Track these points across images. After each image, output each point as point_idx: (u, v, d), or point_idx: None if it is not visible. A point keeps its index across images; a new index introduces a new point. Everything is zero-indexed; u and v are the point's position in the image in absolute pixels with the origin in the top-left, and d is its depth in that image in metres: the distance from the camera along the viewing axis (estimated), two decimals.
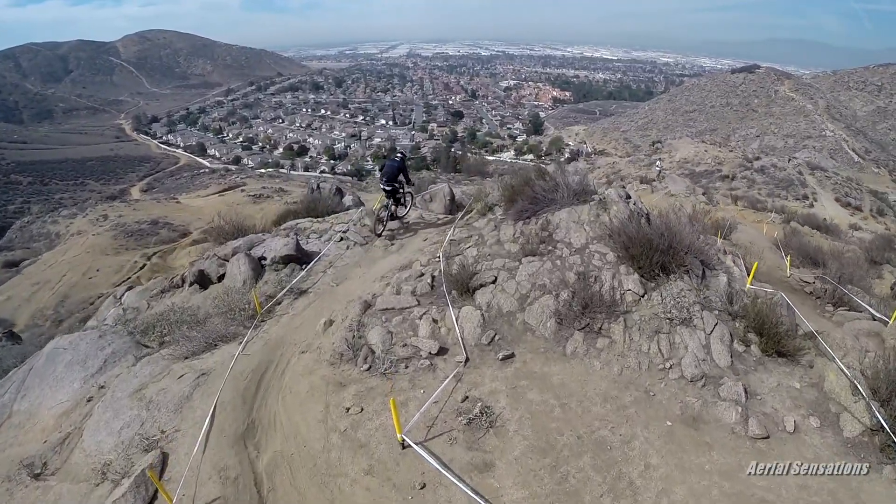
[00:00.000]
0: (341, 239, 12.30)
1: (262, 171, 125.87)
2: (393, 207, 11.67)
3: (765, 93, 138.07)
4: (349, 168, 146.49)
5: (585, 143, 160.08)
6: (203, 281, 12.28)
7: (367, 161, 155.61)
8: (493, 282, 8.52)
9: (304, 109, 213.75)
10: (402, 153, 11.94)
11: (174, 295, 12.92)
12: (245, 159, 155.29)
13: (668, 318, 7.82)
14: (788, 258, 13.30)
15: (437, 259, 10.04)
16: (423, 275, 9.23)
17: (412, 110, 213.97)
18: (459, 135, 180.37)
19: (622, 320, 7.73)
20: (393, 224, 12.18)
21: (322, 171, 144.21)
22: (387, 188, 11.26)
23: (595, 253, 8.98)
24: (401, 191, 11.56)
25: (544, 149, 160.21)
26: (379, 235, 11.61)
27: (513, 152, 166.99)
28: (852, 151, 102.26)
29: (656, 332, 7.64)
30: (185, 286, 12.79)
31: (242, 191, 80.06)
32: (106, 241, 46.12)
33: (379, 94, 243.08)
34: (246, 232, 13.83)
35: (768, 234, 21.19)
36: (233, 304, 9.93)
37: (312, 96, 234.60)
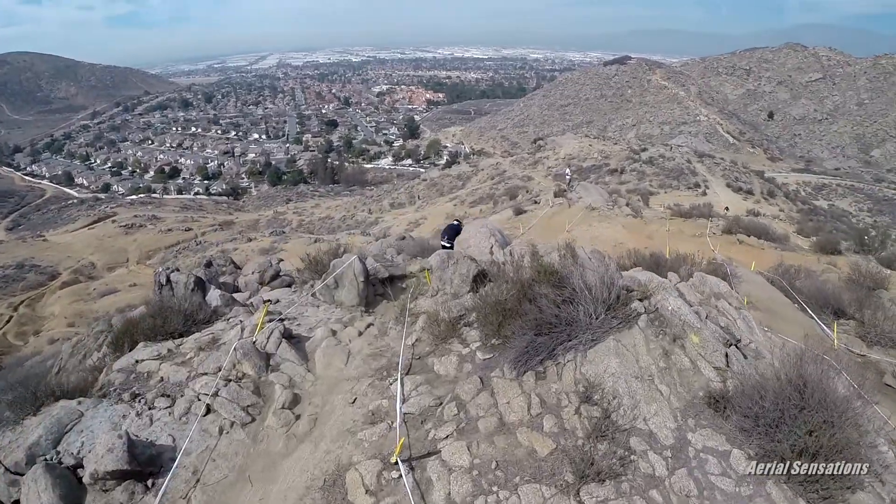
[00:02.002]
0: (208, 411, 6.95)
1: (134, 197, 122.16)
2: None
3: (637, 83, 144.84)
4: (224, 187, 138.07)
5: (463, 144, 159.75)
6: None
7: (243, 178, 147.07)
8: None
9: (174, 128, 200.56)
10: (458, 220, 14.07)
11: None
12: (115, 186, 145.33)
13: None
14: (835, 327, 9.97)
15: (396, 470, 5.23)
16: None
17: (285, 122, 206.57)
18: (335, 144, 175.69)
19: None
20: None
21: (196, 193, 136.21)
22: (447, 245, 12.55)
23: (707, 456, 4.79)
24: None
25: (422, 152, 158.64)
26: None
27: (391, 158, 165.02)
28: (727, 134, 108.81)
29: None
30: None
31: (114, 221, 74.24)
32: None
33: (250, 107, 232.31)
34: (53, 393, 7.68)
35: (736, 257, 18.41)
36: None
37: (182, 114, 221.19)
